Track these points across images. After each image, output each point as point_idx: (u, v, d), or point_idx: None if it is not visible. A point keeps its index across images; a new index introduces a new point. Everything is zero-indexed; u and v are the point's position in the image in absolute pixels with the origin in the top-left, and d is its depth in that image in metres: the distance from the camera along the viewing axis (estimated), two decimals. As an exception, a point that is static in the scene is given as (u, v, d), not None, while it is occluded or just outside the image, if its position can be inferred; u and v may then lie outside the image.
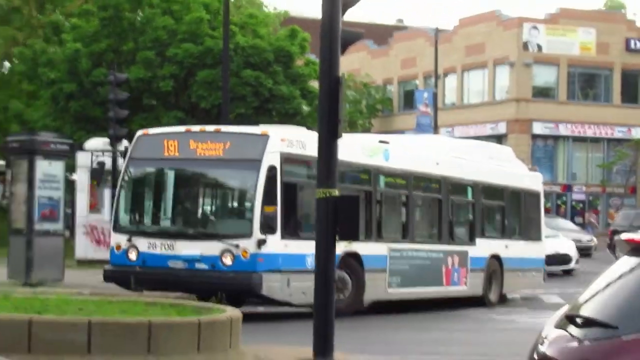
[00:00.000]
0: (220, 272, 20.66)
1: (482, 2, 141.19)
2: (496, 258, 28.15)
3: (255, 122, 32.92)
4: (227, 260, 20.57)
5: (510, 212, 29.71)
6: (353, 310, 22.66)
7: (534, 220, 30.64)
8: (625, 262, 7.38)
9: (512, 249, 28.76)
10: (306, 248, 20.97)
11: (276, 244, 20.97)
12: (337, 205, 15.41)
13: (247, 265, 20.47)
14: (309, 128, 26.81)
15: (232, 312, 14.52)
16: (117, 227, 22.38)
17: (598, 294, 7.40)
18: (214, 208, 23.23)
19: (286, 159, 21.55)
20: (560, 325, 7.49)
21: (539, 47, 64.54)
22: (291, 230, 21.63)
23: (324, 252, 15.42)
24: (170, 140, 22.82)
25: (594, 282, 7.71)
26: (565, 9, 66.63)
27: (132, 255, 21.59)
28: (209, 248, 20.87)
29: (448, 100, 68.74)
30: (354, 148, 23.76)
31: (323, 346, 14.92)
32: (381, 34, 73.50)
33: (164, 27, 42.95)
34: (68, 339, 12.51)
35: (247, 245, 20.58)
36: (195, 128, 23.88)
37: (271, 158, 21.18)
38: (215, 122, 30.95)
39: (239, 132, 23.13)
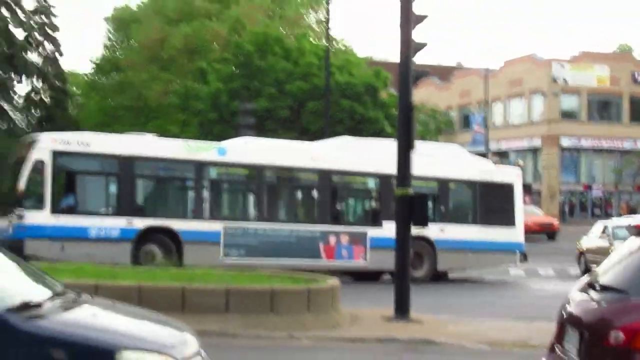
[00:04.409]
0: (11, 238, 20.21)
1: (521, 45, 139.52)
2: (423, 239, 23.64)
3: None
4: (10, 230, 20.50)
5: (449, 199, 25.68)
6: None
7: (501, 208, 25.93)
8: (634, 241, 7.26)
9: (451, 232, 24.62)
10: (85, 222, 21.03)
11: (45, 217, 20.56)
12: (411, 201, 15.32)
13: (16, 233, 20.27)
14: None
15: (333, 282, 14.49)
16: None
17: (612, 266, 7.33)
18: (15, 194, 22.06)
19: (58, 154, 21.03)
20: (582, 290, 7.43)
21: (565, 81, 63.52)
22: (64, 208, 21.02)
23: (402, 234, 15.33)
24: None
25: (609, 257, 7.67)
26: (585, 52, 65.53)
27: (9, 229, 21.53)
28: (5, 221, 20.89)
29: (496, 122, 67.96)
30: (177, 148, 22.92)
31: (401, 307, 14.82)
32: (444, 73, 73.09)
33: (283, 70, 43.16)
34: (211, 302, 12.56)
35: (13, 218, 20.53)
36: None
37: (39, 154, 20.85)
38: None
39: (28, 139, 22.92)
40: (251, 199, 24.04)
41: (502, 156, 65.61)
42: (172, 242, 21.76)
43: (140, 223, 21.62)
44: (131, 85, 58.99)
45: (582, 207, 64.84)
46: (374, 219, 24.64)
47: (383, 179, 24.30)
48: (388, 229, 23.61)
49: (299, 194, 25.37)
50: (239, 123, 37.87)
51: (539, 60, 64.96)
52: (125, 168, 21.86)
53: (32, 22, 61.91)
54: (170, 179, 23.31)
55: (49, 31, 62.24)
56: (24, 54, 59.46)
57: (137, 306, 7.86)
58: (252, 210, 23.83)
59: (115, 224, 21.38)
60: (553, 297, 19.01)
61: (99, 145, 21.90)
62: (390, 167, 24.35)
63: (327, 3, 40.09)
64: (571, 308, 7.28)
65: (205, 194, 23.23)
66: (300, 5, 60.86)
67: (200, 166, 22.72)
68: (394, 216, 24.06)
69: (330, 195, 24.31)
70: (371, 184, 25.09)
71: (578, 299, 7.33)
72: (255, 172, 23.33)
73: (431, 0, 16.80)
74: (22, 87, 60.86)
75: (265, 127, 40.60)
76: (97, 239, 21.04)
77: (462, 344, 13.25)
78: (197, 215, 22.69)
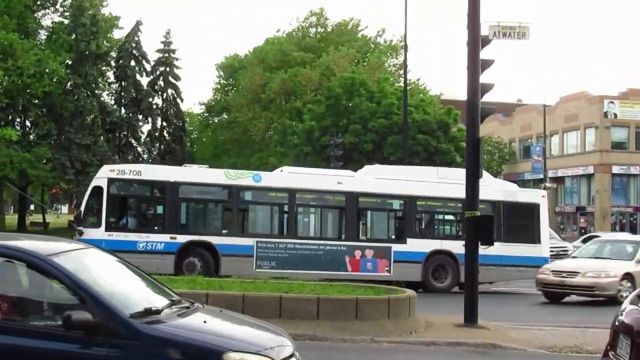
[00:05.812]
0: None
1: (575, 83, 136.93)
2: (446, 254, 23.39)
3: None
4: None
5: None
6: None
7: (524, 226, 24.41)
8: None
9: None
10: (134, 237, 21.33)
11: (100, 233, 20.84)
12: (478, 222, 15.05)
13: None
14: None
15: (410, 292, 14.29)
16: None
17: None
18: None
19: (113, 181, 21.66)
20: (634, 302, 7.21)
21: (615, 115, 61.98)
22: (117, 226, 21.47)
23: (471, 251, 15.05)
24: None
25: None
26: (632, 89, 63.66)
27: None
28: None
29: (553, 152, 66.63)
30: (218, 175, 22.87)
31: (470, 314, 14.55)
32: (507, 109, 71.99)
33: (367, 109, 43.26)
34: (304, 309, 12.53)
35: (77, 234, 20.92)
36: None
37: (98, 182, 21.69)
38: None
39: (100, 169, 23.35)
40: (282, 218, 23.61)
41: (558, 182, 64.27)
42: (210, 255, 21.84)
43: (182, 238, 21.81)
44: (238, 123, 59.95)
45: (632, 227, 62.96)
46: (399, 236, 23.95)
47: (407, 200, 23.85)
48: (412, 245, 23.59)
49: (326, 214, 24.48)
50: (329, 155, 38.06)
51: (591, 97, 63.53)
52: (171, 192, 22.09)
53: (157, 71, 63.59)
54: (210, 201, 23.08)
55: (171, 79, 63.79)
56: (150, 98, 61.06)
57: (241, 313, 7.87)
58: (282, 228, 23.39)
59: (161, 239, 21.64)
60: (606, 307, 18.41)
61: (149, 174, 22.34)
62: (413, 190, 24.02)
63: (405, 51, 39.98)
64: (623, 318, 7.06)
65: (241, 213, 23.11)
66: (381, 53, 61.05)
67: (237, 190, 22.59)
68: (417, 233, 24.19)
69: (356, 214, 23.61)
70: (396, 205, 24.18)
71: (630, 310, 7.10)
72: (287, 195, 22.93)
73: (496, 45, 16.56)
74: (146, 125, 62.28)
75: (351, 158, 40.67)
76: (145, 252, 21.26)
77: (524, 349, 12.94)
78: (234, 231, 22.54)
